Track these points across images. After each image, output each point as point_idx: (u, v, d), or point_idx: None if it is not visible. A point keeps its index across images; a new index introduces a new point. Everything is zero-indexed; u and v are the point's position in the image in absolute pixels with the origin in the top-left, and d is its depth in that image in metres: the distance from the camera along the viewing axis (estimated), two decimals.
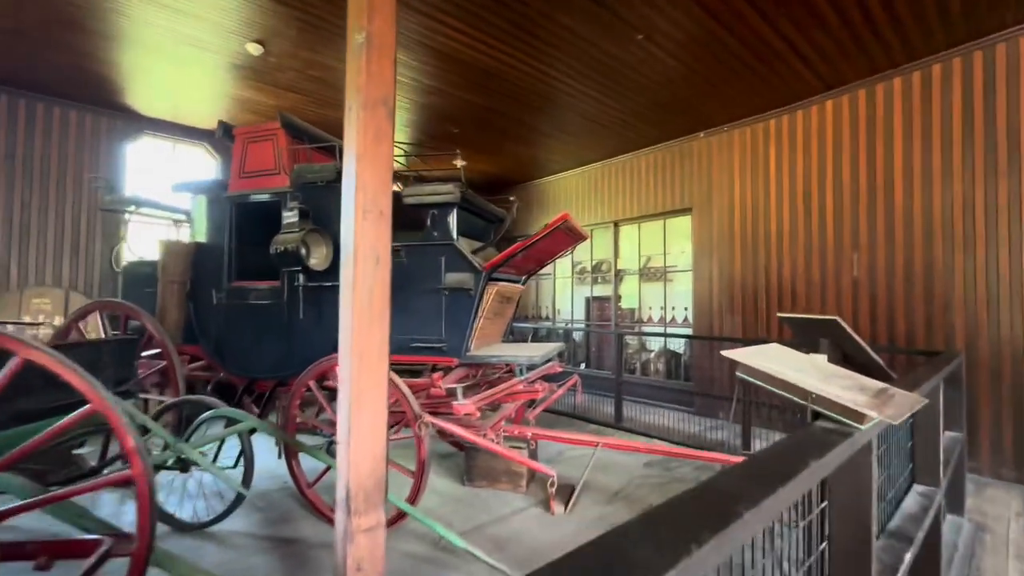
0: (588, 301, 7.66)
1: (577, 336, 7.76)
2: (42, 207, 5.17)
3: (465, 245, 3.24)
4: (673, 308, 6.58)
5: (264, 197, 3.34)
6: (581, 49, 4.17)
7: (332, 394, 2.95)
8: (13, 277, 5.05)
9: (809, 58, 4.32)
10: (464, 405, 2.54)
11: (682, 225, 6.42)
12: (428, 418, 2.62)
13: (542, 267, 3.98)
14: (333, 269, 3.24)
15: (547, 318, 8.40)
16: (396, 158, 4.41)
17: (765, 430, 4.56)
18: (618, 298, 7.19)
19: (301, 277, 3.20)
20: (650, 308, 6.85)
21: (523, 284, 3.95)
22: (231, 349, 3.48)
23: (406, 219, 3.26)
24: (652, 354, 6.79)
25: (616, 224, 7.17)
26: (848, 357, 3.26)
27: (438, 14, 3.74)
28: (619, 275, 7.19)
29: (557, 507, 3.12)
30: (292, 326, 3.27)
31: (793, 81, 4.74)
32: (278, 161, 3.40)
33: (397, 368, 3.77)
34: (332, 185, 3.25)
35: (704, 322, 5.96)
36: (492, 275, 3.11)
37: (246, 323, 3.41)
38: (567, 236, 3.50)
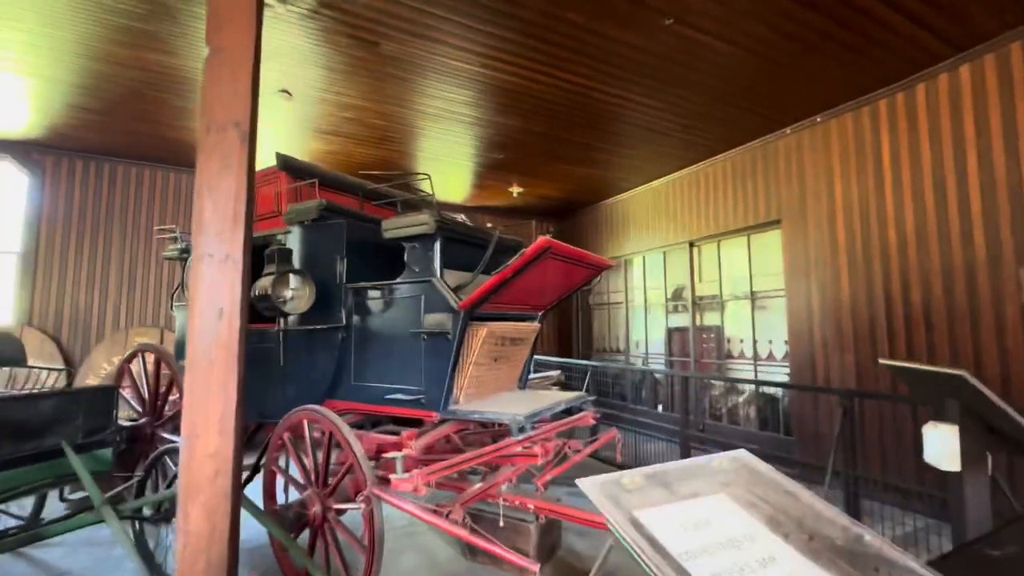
0: (668, 333, 6.70)
1: (659, 373, 6.81)
2: (145, 257, 5.96)
3: (452, 280, 2.83)
4: (770, 341, 5.40)
5: (261, 241, 3.33)
6: (606, 48, 3.62)
7: (313, 445, 2.70)
8: (122, 318, 5.83)
9: (924, 17, 3.24)
10: (404, 480, 2.09)
11: (771, 241, 5.30)
12: (376, 491, 2.21)
13: (559, 300, 3.40)
14: (318, 312, 3.06)
15: (617, 350, 7.56)
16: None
17: (879, 505, 3.31)
18: (699, 329, 6.15)
19: (282, 321, 3.06)
20: (741, 341, 5.71)
21: (539, 322, 3.41)
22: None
23: (395, 255, 2.98)
24: (742, 397, 5.63)
25: (692, 244, 6.21)
26: (994, 428, 2.19)
27: (463, 42, 3.54)
28: (698, 303, 6.18)
29: None
30: (280, 370, 3.14)
31: (906, 48, 3.62)
32: (277, 203, 3.38)
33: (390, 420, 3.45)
34: (316, 223, 3.10)
35: (804, 358, 4.75)
36: (474, 315, 2.65)
37: (250, 366, 3.37)
38: (578, 265, 2.92)
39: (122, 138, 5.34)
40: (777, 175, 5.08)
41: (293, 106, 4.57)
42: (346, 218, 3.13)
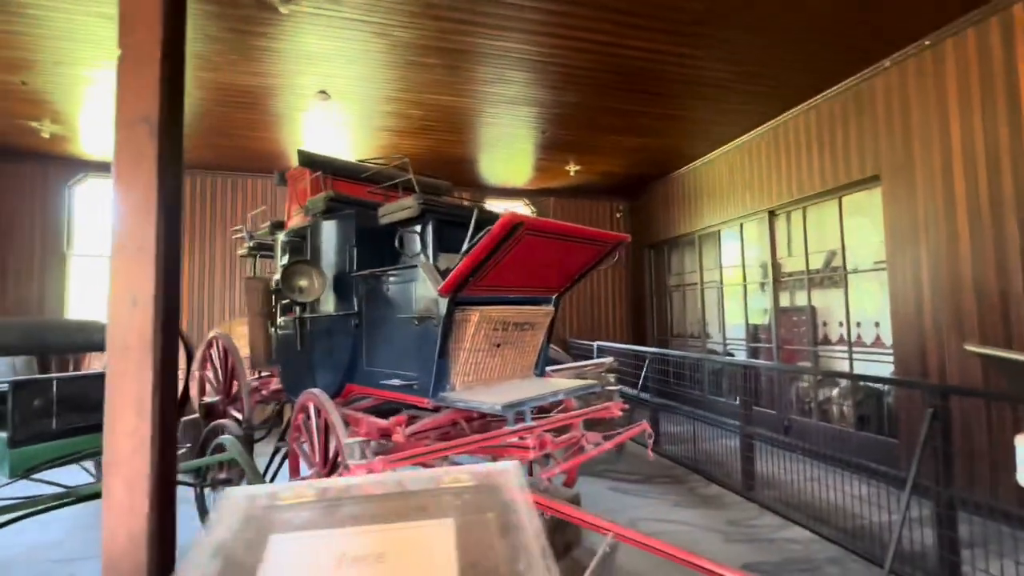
0: (747, 316, 5.93)
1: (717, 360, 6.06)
2: (239, 258, 6.79)
3: (448, 264, 2.74)
4: (877, 324, 4.48)
5: (288, 235, 3.54)
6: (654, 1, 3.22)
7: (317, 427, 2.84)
8: (227, 311, 6.73)
9: None
10: (359, 465, 2.06)
11: (866, 204, 4.37)
12: (351, 471, 2.22)
13: (573, 282, 3.13)
14: (335, 299, 3.18)
15: (694, 336, 6.88)
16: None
17: (987, 530, 2.53)
18: (783, 311, 5.34)
19: (297, 309, 3.23)
20: (840, 324, 4.82)
21: (554, 305, 3.18)
22: (281, 373, 3.78)
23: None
24: (836, 390, 4.77)
25: (772, 213, 5.38)
26: None
27: (506, 22, 3.50)
28: (780, 281, 5.35)
29: None
30: (303, 356, 3.33)
31: None
32: (304, 198, 3.57)
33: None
34: (328, 214, 3.21)
35: (911, 345, 3.86)
36: (459, 299, 2.54)
37: (285, 350, 3.64)
38: (577, 242, 2.66)
39: (222, 152, 6.08)
40: (874, 121, 4.14)
41: (346, 105, 4.77)
42: (356, 207, 3.19)
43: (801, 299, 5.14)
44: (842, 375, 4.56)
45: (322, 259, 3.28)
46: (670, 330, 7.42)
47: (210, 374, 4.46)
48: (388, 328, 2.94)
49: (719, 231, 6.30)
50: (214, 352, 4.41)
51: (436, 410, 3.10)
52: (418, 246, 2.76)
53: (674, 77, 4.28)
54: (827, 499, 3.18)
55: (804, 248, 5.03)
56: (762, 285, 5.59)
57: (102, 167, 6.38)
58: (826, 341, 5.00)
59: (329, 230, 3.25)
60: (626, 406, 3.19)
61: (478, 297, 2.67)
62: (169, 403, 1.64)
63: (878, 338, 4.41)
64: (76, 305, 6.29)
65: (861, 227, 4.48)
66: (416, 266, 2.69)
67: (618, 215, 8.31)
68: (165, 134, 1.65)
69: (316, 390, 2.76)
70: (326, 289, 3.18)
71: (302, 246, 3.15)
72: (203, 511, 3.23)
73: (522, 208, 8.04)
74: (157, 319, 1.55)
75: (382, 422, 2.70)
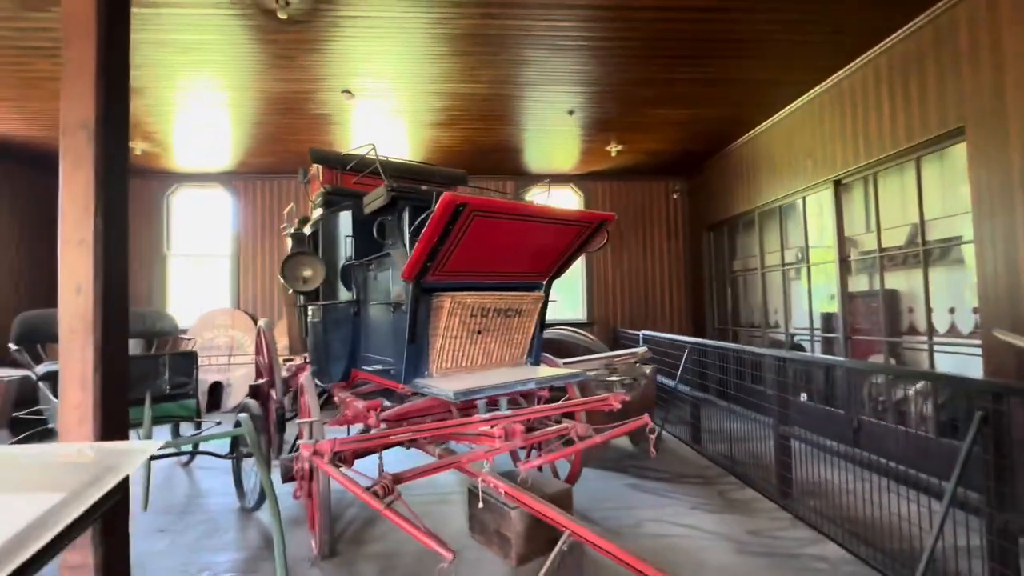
0: (810, 301, 5.21)
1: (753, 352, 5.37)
2: None
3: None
4: (951, 311, 3.73)
5: (298, 229, 3.76)
6: None
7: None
8: None
9: None
10: (305, 445, 2.12)
11: (949, 164, 3.61)
12: (304, 449, 2.29)
13: (561, 265, 2.96)
14: (339, 288, 3.34)
15: (754, 325, 6.21)
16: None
17: None
18: (852, 296, 4.62)
19: (301, 297, 3.43)
20: (911, 310, 4.06)
21: (542, 291, 3.05)
22: (309, 358, 4.07)
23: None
24: (914, 388, 4.02)
25: (837, 183, 4.65)
26: None
27: None
28: (847, 262, 4.63)
29: None
30: (316, 340, 3.54)
31: None
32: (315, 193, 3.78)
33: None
34: (330, 207, 3.35)
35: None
36: (425, 285, 2.52)
37: (309, 337, 3.90)
38: (542, 222, 2.51)
39: (279, 157, 6.68)
40: (956, 62, 3.39)
41: (387, 103, 4.93)
42: (353, 199, 3.31)
43: (879, 282, 4.39)
44: (877, 368, 3.85)
45: (328, 250, 3.45)
46: (732, 319, 6.78)
47: (260, 359, 4.92)
48: (374, 315, 3.03)
49: (779, 207, 5.60)
50: (260, 340, 4.86)
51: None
52: (394, 233, 2.78)
53: (719, 36, 3.84)
54: (881, 515, 2.67)
55: (876, 222, 4.29)
56: (832, 266, 4.87)
57: (191, 178, 7.30)
58: (913, 331, 4.24)
59: (332, 222, 3.41)
60: (626, 398, 2.96)
61: (449, 283, 2.63)
62: (113, 380, 1.83)
63: (977, 327, 3.63)
64: (174, 297, 7.30)
65: (944, 194, 3.71)
66: (389, 253, 2.73)
67: (674, 195, 7.74)
68: (106, 138, 1.82)
69: (305, 374, 2.92)
70: (336, 279, 3.35)
71: (315, 239, 3.34)
72: (238, 481, 3.57)
73: (570, 195, 7.81)
74: (98, 305, 1.74)
75: (360, 404, 2.78)
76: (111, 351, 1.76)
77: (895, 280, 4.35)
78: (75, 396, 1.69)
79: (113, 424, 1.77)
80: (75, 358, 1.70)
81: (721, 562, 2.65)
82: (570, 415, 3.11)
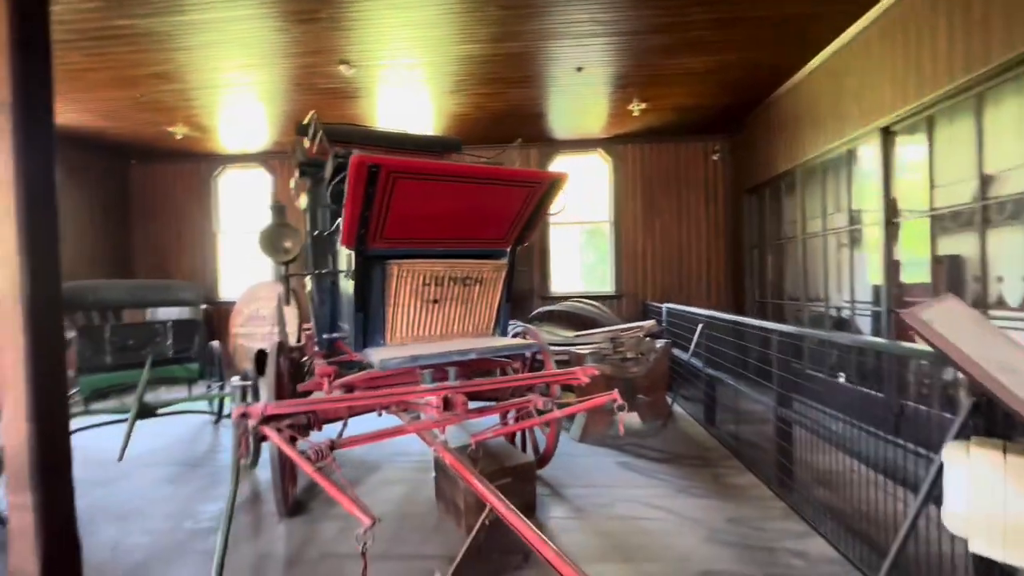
0: (850, 270, 4.57)
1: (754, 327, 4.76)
2: None
3: None
4: (1000, 279, 3.10)
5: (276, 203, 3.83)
6: None
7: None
8: None
9: None
10: (240, 408, 2.16)
11: (1017, 104, 2.93)
12: (238, 413, 2.33)
13: (522, 230, 2.78)
14: (319, 258, 3.40)
15: (797, 299, 5.60)
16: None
17: None
18: (893, 265, 4.00)
19: (283, 268, 3.52)
20: (1000, 280, 3.43)
21: (506, 259, 2.90)
22: None
23: None
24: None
25: (886, 131, 3.98)
26: None
27: None
28: (894, 224, 3.98)
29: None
30: (314, 308, 3.64)
31: None
32: None
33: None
34: (313, 179, 3.37)
35: None
36: (369, 252, 2.47)
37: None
38: (483, 183, 2.35)
39: None
40: None
41: (412, 73, 4.87)
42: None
43: (945, 246, 3.75)
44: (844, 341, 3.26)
45: (312, 221, 3.51)
46: (773, 292, 6.17)
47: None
48: (342, 284, 3.05)
49: (821, 162, 4.92)
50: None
51: None
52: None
53: None
54: (897, 513, 2.29)
55: (929, 174, 3.63)
56: (877, 229, 4.22)
57: (236, 159, 7.77)
58: (984, 303, 3.61)
59: (314, 195, 3.45)
60: (595, 372, 2.78)
61: (394, 250, 2.57)
62: (46, 347, 1.95)
63: None
64: (224, 271, 7.92)
65: (1012, 140, 3.03)
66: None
67: (714, 156, 7.07)
68: (25, 115, 1.90)
69: (267, 344, 3.02)
70: (321, 249, 3.40)
71: (282, 210, 3.41)
72: None
73: (597, 159, 7.41)
74: (26, 276, 1.86)
75: (327, 370, 2.83)
76: (41, 320, 1.89)
77: (959, 244, 3.68)
78: (13, 357, 1.85)
79: (48, 391, 1.93)
80: (7, 328, 1.85)
81: (685, 550, 2.45)
82: (533, 388, 2.98)
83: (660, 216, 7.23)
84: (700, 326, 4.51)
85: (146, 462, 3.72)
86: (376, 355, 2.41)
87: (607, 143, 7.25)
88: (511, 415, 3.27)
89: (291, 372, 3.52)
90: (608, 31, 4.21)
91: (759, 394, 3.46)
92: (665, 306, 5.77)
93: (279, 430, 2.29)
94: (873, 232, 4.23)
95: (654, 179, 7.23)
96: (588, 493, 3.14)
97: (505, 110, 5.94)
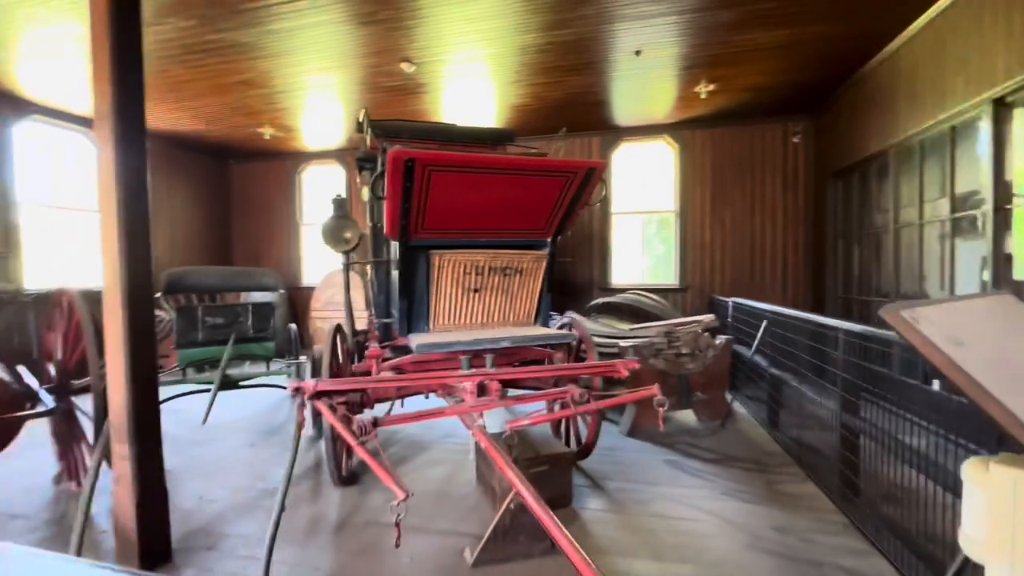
0: (950, 266, 4.00)
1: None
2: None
3: None
4: None
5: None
6: None
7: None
8: None
9: None
10: (294, 383, 2.36)
11: None
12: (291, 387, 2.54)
13: (560, 220, 2.76)
14: (379, 250, 3.61)
15: (885, 295, 5.02)
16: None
17: None
18: (1004, 258, 3.46)
19: (344, 257, 3.76)
20: None
21: (547, 249, 2.91)
22: None
23: None
24: None
25: (999, 103, 3.43)
26: None
27: None
28: (1006, 210, 3.44)
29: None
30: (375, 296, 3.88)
31: None
32: None
33: None
34: (370, 173, 3.58)
35: None
36: (412, 243, 2.60)
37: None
38: (517, 174, 2.37)
39: None
40: None
41: (476, 66, 4.97)
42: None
43: None
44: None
45: (372, 213, 3.74)
46: (860, 288, 5.59)
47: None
48: (393, 273, 3.23)
49: (919, 142, 4.35)
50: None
51: None
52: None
53: None
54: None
55: None
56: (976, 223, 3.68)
57: (316, 156, 8.40)
58: None
59: (372, 187, 3.67)
60: (635, 365, 2.72)
61: (436, 241, 2.68)
62: (139, 320, 2.29)
63: None
64: (306, 259, 8.64)
65: None
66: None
67: (794, 138, 6.49)
68: (123, 125, 2.23)
69: (340, 322, 3.28)
70: (378, 240, 3.63)
71: (342, 203, 3.66)
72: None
73: (663, 146, 7.09)
74: (123, 263, 2.20)
75: (376, 352, 3.03)
76: (136, 304, 2.22)
77: None
78: (114, 331, 2.20)
79: (141, 361, 2.26)
80: (111, 312, 2.19)
81: (720, 554, 2.35)
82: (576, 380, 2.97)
83: (731, 205, 6.79)
84: (764, 322, 4.21)
85: (231, 428, 4.21)
86: (415, 340, 2.54)
87: (673, 129, 6.91)
88: (557, 406, 3.31)
89: (351, 353, 3.80)
90: (667, 10, 4.01)
91: (826, 398, 3.18)
92: (731, 301, 5.44)
93: (332, 407, 2.50)
94: (981, 221, 3.69)
95: (725, 165, 6.79)
96: (628, 488, 3.09)
97: (564, 99, 5.87)
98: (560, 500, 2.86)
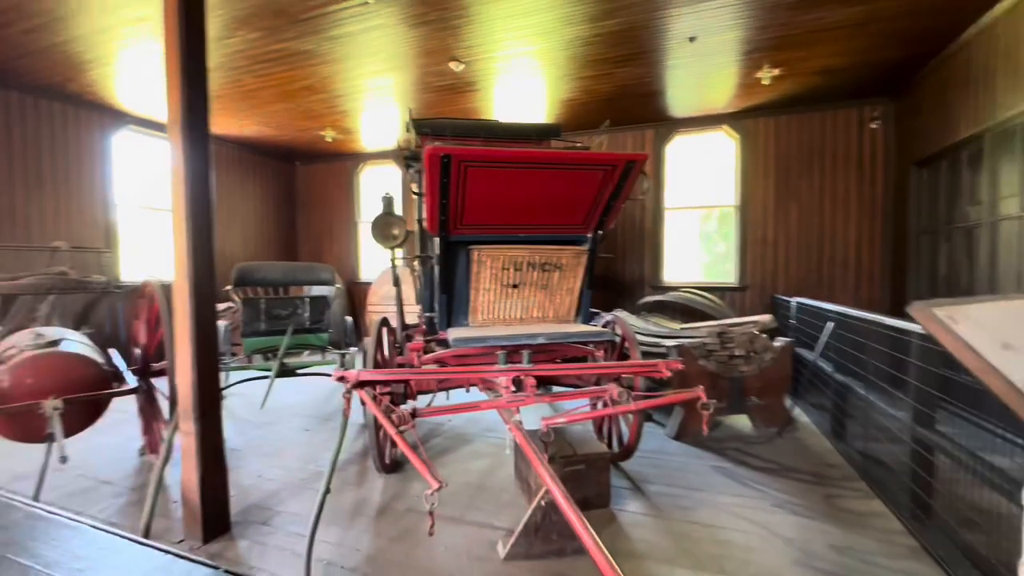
0: None
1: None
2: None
3: None
4: None
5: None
6: None
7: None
8: None
9: None
10: (337, 372, 2.46)
11: None
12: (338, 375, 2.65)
13: (600, 215, 2.70)
14: (424, 245, 3.72)
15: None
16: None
17: None
18: None
19: (390, 253, 3.87)
20: None
21: (587, 245, 2.86)
22: None
23: None
24: None
25: None
26: None
27: None
28: None
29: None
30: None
31: None
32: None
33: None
34: (414, 171, 3.68)
35: None
36: (451, 238, 2.64)
37: None
38: (557, 168, 2.34)
39: None
40: None
41: (528, 62, 4.97)
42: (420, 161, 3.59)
43: None
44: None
45: (419, 210, 3.84)
46: (948, 288, 5.04)
47: None
48: (434, 268, 3.30)
49: (1017, 125, 3.84)
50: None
51: None
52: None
53: None
54: None
55: None
56: None
57: (373, 156, 8.75)
58: None
59: (418, 184, 3.78)
60: (679, 366, 2.61)
61: (475, 236, 2.71)
62: (202, 310, 2.48)
63: None
64: (364, 255, 9.03)
65: None
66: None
67: (872, 124, 5.94)
68: (191, 131, 2.42)
69: (386, 316, 3.40)
70: (424, 236, 3.73)
71: (390, 202, 3.78)
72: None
73: (722, 137, 6.74)
74: (190, 259, 2.40)
75: (413, 348, 3.11)
76: (201, 299, 2.42)
77: None
78: (181, 320, 2.41)
79: (204, 348, 2.46)
80: (180, 305, 2.40)
81: (766, 569, 2.21)
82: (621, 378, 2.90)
83: (797, 198, 6.33)
84: (829, 324, 3.90)
85: (290, 413, 4.50)
86: (453, 334, 2.59)
87: (733, 118, 6.55)
88: (600, 404, 3.25)
89: (399, 346, 3.93)
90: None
91: (898, 408, 2.89)
92: (794, 300, 5.09)
93: (375, 397, 2.60)
94: None
95: (791, 155, 6.35)
96: (671, 492, 2.97)
97: (614, 92, 5.73)
98: (597, 500, 2.81)
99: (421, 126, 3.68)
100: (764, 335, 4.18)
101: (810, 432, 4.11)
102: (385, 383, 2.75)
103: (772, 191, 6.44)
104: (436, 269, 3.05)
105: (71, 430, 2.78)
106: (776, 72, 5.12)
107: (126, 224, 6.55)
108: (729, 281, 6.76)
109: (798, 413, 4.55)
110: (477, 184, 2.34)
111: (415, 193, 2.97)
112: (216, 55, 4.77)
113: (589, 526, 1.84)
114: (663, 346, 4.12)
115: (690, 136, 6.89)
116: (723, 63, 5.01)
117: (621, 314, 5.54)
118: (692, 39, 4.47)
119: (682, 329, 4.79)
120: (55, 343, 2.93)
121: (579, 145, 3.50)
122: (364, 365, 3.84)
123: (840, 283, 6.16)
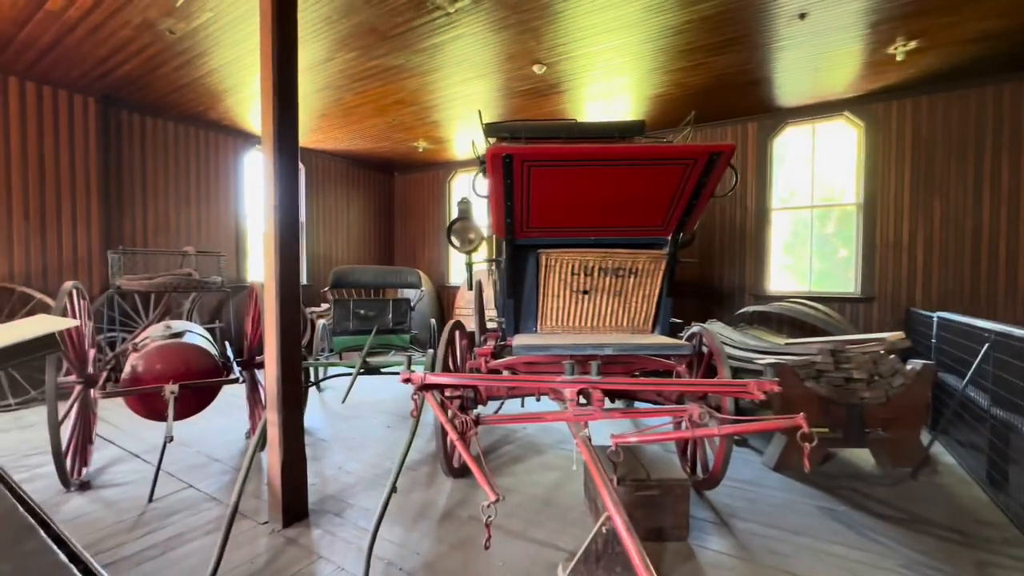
0: None
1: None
2: None
3: None
4: None
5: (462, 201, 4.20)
6: None
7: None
8: None
9: None
10: (403, 374, 2.45)
11: None
12: (405, 377, 2.66)
13: (683, 215, 2.42)
14: (500, 249, 3.71)
15: None
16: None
17: None
18: None
19: (465, 256, 3.87)
20: None
21: (666, 249, 2.60)
22: None
23: None
24: None
25: None
26: None
27: None
28: None
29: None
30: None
31: None
32: None
33: None
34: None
35: None
36: (519, 241, 2.55)
37: None
38: (632, 164, 2.14)
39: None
40: None
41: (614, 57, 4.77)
42: None
43: None
44: None
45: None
46: None
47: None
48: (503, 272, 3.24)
49: None
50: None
51: None
52: None
53: None
54: None
55: None
56: None
57: (464, 164, 9.04)
58: None
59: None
60: (775, 388, 2.26)
61: (544, 239, 2.60)
62: (287, 310, 2.66)
63: None
64: (453, 261, 9.35)
65: None
66: None
67: None
68: (280, 148, 2.62)
69: (459, 320, 3.42)
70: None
71: (467, 207, 3.81)
72: None
73: (842, 126, 5.89)
74: (277, 267, 2.59)
75: (481, 353, 3.07)
76: (286, 301, 2.60)
77: None
78: (270, 318, 2.61)
79: (289, 347, 2.64)
80: (270, 307, 2.60)
81: None
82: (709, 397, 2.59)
83: (942, 192, 5.31)
84: (986, 346, 3.16)
85: (374, 409, 4.73)
86: (517, 340, 2.49)
87: (856, 103, 5.69)
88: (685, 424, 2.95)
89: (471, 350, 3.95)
90: None
91: None
92: (936, 315, 4.25)
93: (442, 401, 2.59)
94: None
95: (935, 142, 5.34)
96: (764, 532, 2.59)
97: (709, 83, 5.27)
98: (673, 532, 2.52)
99: (496, 130, 3.65)
100: (892, 356, 3.52)
101: (956, 477, 3.37)
102: (455, 387, 2.74)
103: (907, 185, 5.47)
104: (504, 274, 2.99)
105: (186, 412, 3.16)
106: (913, 45, 4.33)
107: (254, 232, 7.43)
108: (849, 291, 5.86)
109: (939, 451, 3.77)
110: (542, 184, 2.23)
111: (479, 195, 2.96)
112: (322, 76, 5.22)
113: (650, 564, 1.63)
114: (758, 363, 3.65)
115: (801, 127, 6.12)
116: (842, 40, 4.36)
117: (715, 326, 5.04)
118: (803, 16, 3.93)
119: (787, 344, 4.22)
120: (179, 335, 3.36)
121: (665, 141, 3.23)
122: (432, 368, 3.92)
123: (1005, 295, 5.03)
